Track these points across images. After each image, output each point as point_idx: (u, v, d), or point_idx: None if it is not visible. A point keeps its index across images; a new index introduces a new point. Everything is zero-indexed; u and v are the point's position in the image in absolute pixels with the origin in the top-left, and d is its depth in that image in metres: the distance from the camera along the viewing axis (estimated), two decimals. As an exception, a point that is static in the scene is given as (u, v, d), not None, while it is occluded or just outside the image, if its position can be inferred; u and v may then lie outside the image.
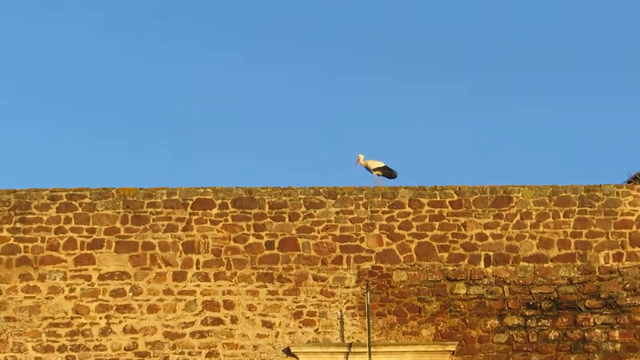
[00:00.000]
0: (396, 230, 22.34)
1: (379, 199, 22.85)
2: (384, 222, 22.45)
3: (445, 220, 22.50)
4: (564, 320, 21.44)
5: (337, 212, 22.65)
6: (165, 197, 22.75)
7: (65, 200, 22.54)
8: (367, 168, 24.83)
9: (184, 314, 21.86)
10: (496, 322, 21.43)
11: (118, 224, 22.37)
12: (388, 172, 24.65)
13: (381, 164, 24.76)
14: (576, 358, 21.27)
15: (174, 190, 23.06)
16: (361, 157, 24.94)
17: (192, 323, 21.70)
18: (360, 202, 22.92)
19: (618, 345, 21.31)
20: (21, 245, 22.18)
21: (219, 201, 22.69)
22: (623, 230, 22.37)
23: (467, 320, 21.71)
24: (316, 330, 21.69)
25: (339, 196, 22.82)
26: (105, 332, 21.86)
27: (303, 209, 22.69)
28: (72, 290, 21.97)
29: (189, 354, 21.59)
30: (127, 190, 22.91)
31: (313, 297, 21.92)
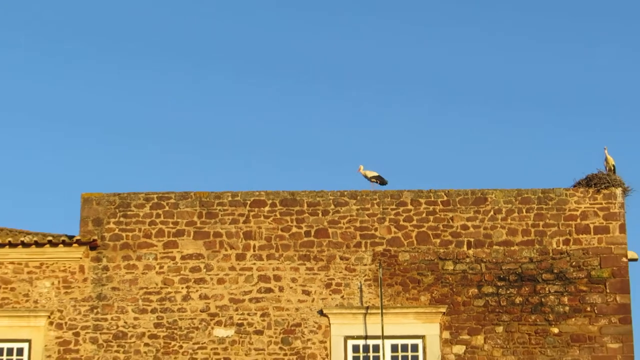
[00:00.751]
0: (401, 223, 22.79)
1: (388, 199, 23.30)
2: (392, 217, 22.93)
3: (437, 215, 22.86)
4: (526, 289, 21.89)
5: (357, 209, 23.12)
6: (230, 198, 23.35)
7: (156, 200, 23.25)
8: (365, 176, 25.28)
9: (244, 284, 22.54)
10: (475, 290, 21.89)
11: (195, 218, 23.11)
12: (381, 180, 25.19)
13: (375, 174, 25.18)
14: (535, 317, 21.59)
15: (237, 193, 23.77)
16: (361, 167, 25.37)
17: (250, 291, 22.38)
18: (375, 201, 23.38)
19: (567, 308, 21.49)
20: (123, 234, 23.00)
21: (270, 201, 23.21)
22: (570, 222, 22.64)
23: (454, 289, 22.13)
24: (342, 297, 22.31)
25: (358, 197, 23.31)
26: (185, 298, 22.78)
27: (332, 206, 23.16)
28: (161, 267, 23.02)
29: (248, 314, 22.15)
30: (202, 193, 23.69)
31: (339, 272, 22.46)
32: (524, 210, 22.77)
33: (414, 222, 22.68)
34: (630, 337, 21.68)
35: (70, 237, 22.38)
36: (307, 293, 22.12)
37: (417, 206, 22.89)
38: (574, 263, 22.06)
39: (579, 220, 22.54)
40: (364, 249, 22.51)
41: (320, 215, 22.95)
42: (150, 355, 21.62)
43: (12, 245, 22.20)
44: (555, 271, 22.03)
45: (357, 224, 22.76)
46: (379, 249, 22.53)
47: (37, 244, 22.21)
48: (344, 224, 22.81)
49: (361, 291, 22.12)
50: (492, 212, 22.69)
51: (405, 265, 22.31)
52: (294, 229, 22.65)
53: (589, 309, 21.59)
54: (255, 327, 21.93)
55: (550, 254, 22.21)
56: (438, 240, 22.48)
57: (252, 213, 22.92)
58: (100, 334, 21.78)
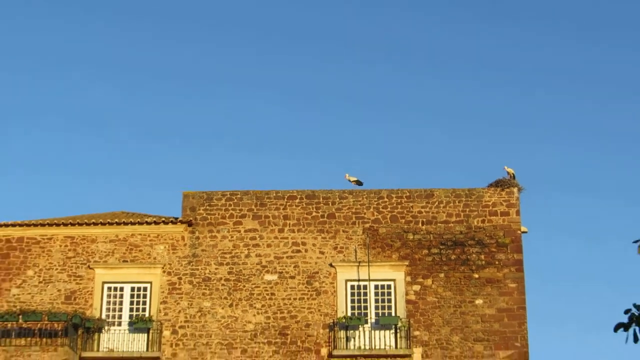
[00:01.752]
0: (380, 209, 24.80)
1: (373, 195, 25.41)
2: (375, 206, 24.94)
3: (403, 204, 24.74)
4: (458, 250, 24.15)
5: (353, 201, 25.07)
6: (274, 194, 25.52)
7: (228, 196, 25.80)
8: (349, 180, 26.74)
9: (283, 247, 24.78)
10: (426, 251, 24.16)
11: (252, 207, 25.46)
12: (358, 182, 26.64)
13: (354, 178, 26.70)
14: (464, 268, 23.92)
15: (279, 191, 25.81)
16: (347, 175, 26.99)
17: (287, 252, 24.63)
18: (364, 196, 25.38)
19: (483, 262, 23.65)
20: (208, 216, 25.44)
21: (299, 196, 25.30)
22: (485, 209, 24.83)
23: (413, 251, 24.37)
24: (344, 255, 24.39)
25: (354, 193, 25.28)
26: (247, 256, 25.30)
27: (337, 199, 25.22)
28: (232, 237, 25.52)
29: (285, 266, 24.40)
30: (257, 191, 25.63)
31: (342, 240, 24.63)
32: (457, 202, 25.04)
33: (388, 209, 24.94)
34: (522, 280, 24.10)
35: (176, 219, 25.07)
36: (322, 253, 24.36)
37: (390, 199, 25.13)
38: (487, 234, 24.50)
39: (491, 208, 24.91)
40: (357, 226, 24.60)
41: (330, 204, 25.11)
42: (225, 291, 23.86)
43: (140, 223, 25.16)
44: (476, 239, 24.40)
45: (353, 210, 24.95)
46: (367, 225, 24.65)
47: (156, 223, 25.12)
48: (345, 210, 24.98)
49: (356, 252, 24.22)
50: (437, 203, 24.98)
51: (383, 236, 24.52)
52: (314, 213, 24.89)
53: (497, 262, 24.04)
54: (290, 274, 24.16)
55: (473, 229, 24.53)
56: (403, 220, 24.71)
57: (287, 203, 25.15)
58: (194, 278, 24.20)
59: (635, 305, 5.53)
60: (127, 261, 25.03)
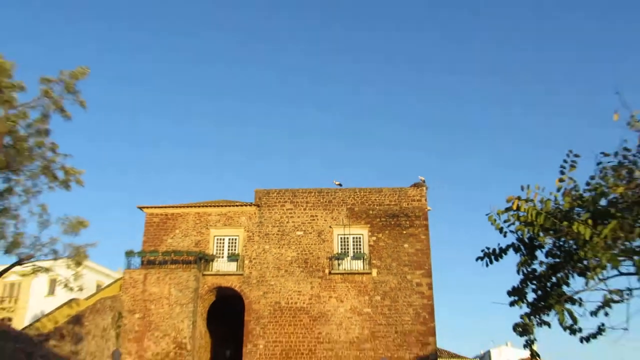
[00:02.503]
0: (355, 198, 29.60)
1: (350, 191, 29.76)
2: (353, 197, 29.66)
3: (367, 195, 29.47)
4: (395, 220, 29.03)
5: (341, 194, 29.66)
6: (306, 193, 29.80)
7: (283, 192, 30.03)
8: (335, 183, 30.44)
9: (305, 218, 29.29)
10: (378, 220, 28.76)
11: (297, 199, 29.65)
12: (339, 184, 30.32)
13: (338, 182, 30.43)
14: (398, 229, 28.70)
15: (311, 189, 29.95)
16: (334, 180, 30.81)
17: (307, 220, 29.25)
18: (346, 192, 29.80)
19: (409, 225, 28.68)
20: (270, 203, 29.57)
21: (314, 191, 29.82)
22: (409, 197, 29.53)
23: (372, 219, 28.87)
24: (336, 221, 28.71)
25: (341, 190, 29.82)
26: (294, 230, 29.31)
27: (333, 192, 29.74)
28: (289, 216, 29.39)
29: (306, 227, 28.87)
30: (294, 189, 29.86)
31: (337, 214, 29.23)
32: (395, 194, 29.83)
33: (359, 198, 29.79)
34: (428, 234, 28.84)
35: (251, 203, 29.83)
36: (325, 220, 29.34)
37: (360, 193, 29.95)
38: (410, 211, 29.40)
39: (412, 197, 29.77)
40: (343, 206, 29.62)
41: (329, 195, 29.93)
42: (275, 240, 28.74)
43: (233, 205, 30.06)
44: (404, 213, 29.33)
45: (342, 199, 29.81)
46: (348, 206, 29.58)
47: (240, 205, 30.03)
48: (337, 198, 29.82)
49: (342, 220, 29.13)
50: (384, 195, 29.80)
51: (356, 211, 29.40)
52: (321, 200, 29.78)
53: (415, 225, 29.03)
54: (309, 231, 29.15)
55: (403, 208, 29.44)
56: (367, 204, 29.65)
57: (308, 194, 29.94)
58: (260, 234, 29.15)
59: (486, 248, 6.48)
60: (226, 225, 29.45)
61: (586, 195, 6.30)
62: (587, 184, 6.41)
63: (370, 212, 29.57)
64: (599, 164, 6.21)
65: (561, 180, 6.43)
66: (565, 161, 6.45)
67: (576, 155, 6.32)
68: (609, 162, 6.19)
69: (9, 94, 14.08)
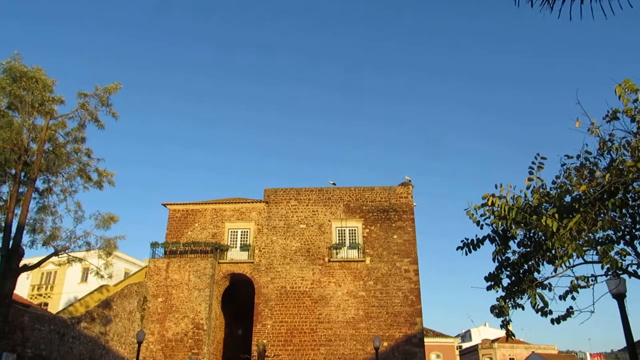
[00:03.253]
0: (351, 196, 29.43)
1: (347, 190, 29.60)
2: (349, 195, 29.54)
3: (360, 193, 29.34)
4: (385, 214, 28.85)
5: (339, 192, 29.58)
6: (310, 192, 29.79)
7: (289, 191, 29.74)
8: (330, 182, 30.20)
9: (307, 213, 29.23)
10: (371, 214, 28.68)
11: (301, 197, 29.58)
12: (334, 184, 30.07)
13: (332, 182, 30.29)
14: (388, 222, 28.42)
15: (306, 187, 29.89)
16: (330, 180, 30.56)
17: (309, 214, 29.09)
18: (344, 190, 29.66)
19: (397, 218, 28.52)
20: (277, 200, 29.39)
21: (315, 189, 29.73)
22: (398, 194, 29.50)
23: (365, 214, 28.72)
24: (334, 215, 28.66)
25: (339, 188, 29.69)
26: (302, 222, 29.80)
27: (332, 191, 29.60)
28: (293, 211, 29.27)
29: (308, 221, 28.80)
30: (299, 188, 29.52)
31: (336, 209, 29.16)
32: (385, 192, 29.72)
33: (354, 195, 29.70)
34: (414, 227, 28.76)
35: (261, 200, 29.80)
36: (325, 215, 29.25)
37: (355, 191, 29.86)
38: (398, 206, 29.32)
39: (400, 195, 29.72)
40: (340, 202, 29.54)
41: (328, 193, 29.81)
42: (282, 232, 28.59)
43: (245, 202, 29.75)
44: (393, 208, 29.27)
45: (339, 196, 29.73)
46: (344, 202, 29.54)
47: (252, 202, 29.82)
48: (335, 196, 29.76)
49: (339, 214, 29.14)
50: (376, 192, 29.73)
51: (351, 207, 29.39)
52: (322, 197, 29.71)
53: (403, 219, 28.93)
54: (311, 224, 28.99)
55: (392, 204, 29.39)
56: (360, 200, 29.56)
57: (310, 193, 29.91)
58: (269, 227, 28.97)
59: (465, 239, 6.54)
60: (239, 219, 29.51)
61: (552, 192, 6.34)
62: (553, 182, 6.47)
63: (364, 207, 29.60)
64: (563, 165, 6.26)
65: (530, 179, 6.49)
66: (533, 162, 6.50)
67: (543, 158, 6.36)
68: (572, 164, 6.24)
69: (50, 106, 14.25)
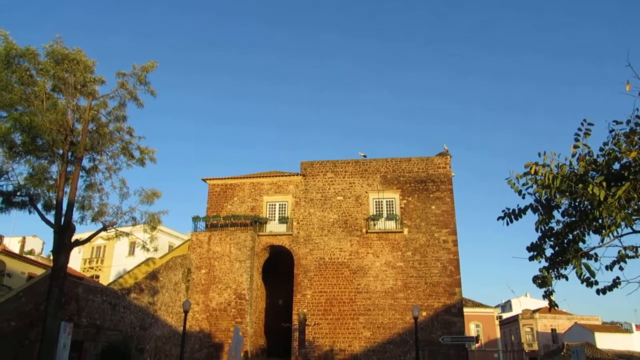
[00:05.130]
0: (387, 168, 29.20)
1: (383, 161, 29.46)
2: (385, 165, 29.27)
3: (396, 164, 29.02)
4: (423, 185, 28.31)
5: (375, 163, 29.39)
6: (346, 164, 29.63)
7: (325, 163, 29.69)
8: (361, 154, 29.97)
9: (344, 185, 29.19)
10: (409, 185, 28.26)
11: (339, 168, 29.63)
12: (364, 156, 29.84)
13: (363, 154, 29.97)
14: (426, 192, 27.92)
15: (342, 159, 29.78)
16: (360, 152, 31.10)
17: (346, 186, 29.02)
18: (381, 161, 29.55)
19: (435, 188, 28.12)
20: (314, 172, 29.40)
21: (351, 162, 29.51)
22: (435, 164, 29.07)
23: (403, 184, 28.53)
24: (371, 187, 28.59)
25: (376, 160, 29.52)
26: (339, 193, 29.17)
27: (368, 162, 29.48)
28: (330, 183, 29.25)
29: (345, 193, 28.78)
30: (334, 160, 29.40)
31: (370, 180, 28.99)
32: (422, 163, 29.36)
33: (391, 167, 29.43)
34: (452, 197, 28.41)
35: (298, 173, 29.77)
36: (362, 186, 29.15)
37: (392, 162, 29.55)
38: (437, 177, 28.94)
39: (438, 165, 29.31)
40: (377, 174, 29.32)
41: (365, 165, 29.64)
42: (319, 204, 28.64)
43: (282, 175, 30.01)
44: (431, 179, 28.90)
45: (375, 167, 29.52)
46: (381, 174, 29.26)
47: (289, 175, 29.87)
48: (372, 168, 29.56)
49: (377, 185, 29.03)
50: (413, 163, 29.39)
51: (388, 178, 29.18)
52: (358, 169, 29.51)
53: (441, 189, 28.58)
54: (348, 196, 29.00)
55: (430, 174, 29.02)
56: (398, 171, 29.27)
57: (346, 165, 29.72)
58: (306, 199, 29.19)
59: (506, 208, 6.28)
60: (277, 192, 29.78)
61: (600, 160, 6.07)
62: (601, 149, 6.15)
63: (401, 178, 29.36)
64: (611, 131, 5.98)
65: (576, 146, 6.18)
66: (579, 129, 6.17)
67: (590, 124, 6.08)
68: (621, 130, 5.95)
69: (92, 87, 14.65)
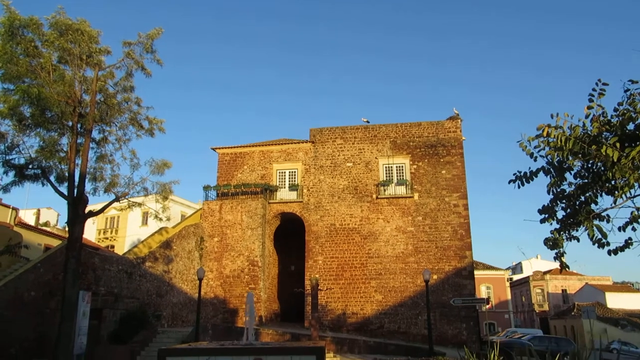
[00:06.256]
0: (396, 134, 29.00)
1: (392, 126, 29.25)
2: (393, 130, 29.08)
3: (404, 129, 28.87)
4: (433, 149, 28.18)
5: (385, 128, 29.14)
6: (356, 129, 29.38)
7: (334, 130, 29.45)
8: (363, 120, 29.92)
9: (354, 151, 28.98)
10: (419, 150, 27.98)
11: (349, 134, 29.43)
12: (367, 121, 29.78)
13: (365, 119, 29.91)
14: (436, 156, 27.70)
15: (351, 125, 29.58)
16: (363, 118, 30.82)
17: (355, 152, 28.91)
18: (390, 126, 29.34)
19: (445, 154, 27.86)
20: (324, 139, 29.33)
21: (360, 127, 29.33)
22: (446, 129, 28.86)
23: (413, 150, 28.05)
24: (381, 152, 28.29)
25: (385, 125, 29.22)
26: (347, 160, 29.10)
27: (378, 128, 29.18)
28: (339, 150, 29.11)
29: (355, 159, 28.56)
30: (345, 126, 29.21)
31: (382, 146, 28.79)
32: (432, 127, 29.11)
33: (400, 132, 29.16)
34: (463, 162, 28.22)
35: (306, 140, 29.65)
36: (372, 152, 29.01)
37: (402, 127, 29.32)
38: (447, 141, 28.69)
39: (448, 129, 28.92)
40: (386, 139, 29.19)
41: (375, 130, 29.42)
42: (329, 171, 28.71)
43: (291, 143, 29.60)
44: (442, 143, 28.68)
45: (385, 133, 29.30)
46: (391, 139, 29.13)
47: (298, 142, 29.64)
48: (381, 133, 29.36)
49: (386, 151, 28.84)
50: (423, 128, 29.11)
51: (398, 143, 28.97)
52: (368, 135, 29.33)
53: (452, 153, 28.37)
54: (357, 162, 28.85)
55: (440, 139, 28.80)
56: (408, 136, 29.09)
57: (356, 131, 29.51)
58: (315, 166, 29.12)
59: (518, 171, 6.16)
60: (286, 160, 29.74)
61: (614, 120, 5.91)
62: (615, 110, 5.96)
63: (411, 143, 29.20)
64: (626, 91, 5.82)
65: (590, 107, 6.00)
66: (594, 89, 5.97)
67: (604, 84, 5.90)
68: (636, 89, 5.78)
69: (98, 57, 14.61)
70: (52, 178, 15.34)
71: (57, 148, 15.13)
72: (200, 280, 20.17)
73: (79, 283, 15.25)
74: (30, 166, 15.01)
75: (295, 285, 27.97)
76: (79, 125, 15.06)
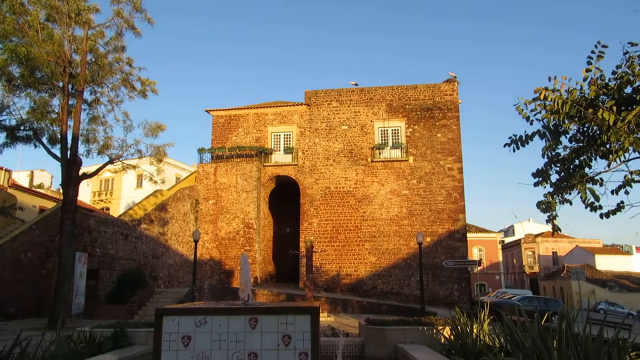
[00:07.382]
0: (391, 97, 28.46)
1: (389, 88, 28.92)
2: (391, 93, 28.74)
3: (396, 93, 28.44)
4: (429, 112, 27.80)
5: (381, 91, 28.87)
6: (351, 92, 29.11)
7: (330, 92, 29.08)
8: (351, 83, 29.62)
9: (349, 114, 28.76)
10: (414, 113, 27.67)
11: (345, 97, 29.56)
12: (355, 84, 29.42)
13: (354, 82, 29.55)
14: (432, 120, 27.45)
15: (347, 87, 29.13)
16: (352, 81, 29.79)
17: (351, 115, 28.61)
18: (387, 88, 28.93)
19: (441, 117, 27.55)
20: (319, 102, 28.84)
21: (356, 90, 28.91)
22: (442, 93, 28.61)
23: (409, 113, 27.78)
24: (377, 115, 27.88)
25: (382, 87, 28.93)
26: (343, 123, 28.53)
27: (374, 90, 28.84)
28: (335, 113, 28.75)
29: (350, 122, 28.34)
30: (346, 88, 28.82)
31: (376, 109, 28.43)
32: (428, 90, 28.87)
33: (397, 94, 28.98)
34: (459, 125, 28.10)
35: (302, 103, 29.45)
36: (367, 115, 28.78)
37: (397, 90, 29.05)
38: (443, 104, 28.52)
39: (445, 92, 28.82)
40: (382, 102, 28.92)
41: (370, 93, 29.16)
42: (324, 134, 28.23)
43: (286, 105, 29.11)
44: (438, 106, 28.52)
45: (381, 95, 29.04)
46: (387, 102, 28.89)
47: (293, 105, 29.44)
48: (377, 96, 29.16)
49: (382, 114, 28.66)
50: (419, 91, 28.88)
51: (394, 106, 28.81)
52: (364, 97, 29.05)
53: (447, 117, 28.17)
54: (353, 125, 28.59)
55: (436, 102, 28.57)
56: (404, 99, 28.82)
57: (351, 93, 29.27)
58: (311, 129, 28.80)
59: (513, 135, 6.10)
60: (281, 123, 29.49)
61: (612, 83, 5.83)
62: (614, 72, 5.88)
63: (407, 106, 29.00)
64: (625, 53, 5.73)
65: (588, 70, 5.90)
66: (592, 52, 5.84)
67: (604, 46, 5.78)
68: (636, 52, 5.69)
69: (87, 15, 14.23)
70: (44, 140, 15.29)
71: (49, 109, 14.98)
72: (196, 242, 20.33)
73: (75, 244, 15.39)
74: (22, 127, 14.91)
75: (290, 247, 28.15)
76: (69, 86, 14.88)
